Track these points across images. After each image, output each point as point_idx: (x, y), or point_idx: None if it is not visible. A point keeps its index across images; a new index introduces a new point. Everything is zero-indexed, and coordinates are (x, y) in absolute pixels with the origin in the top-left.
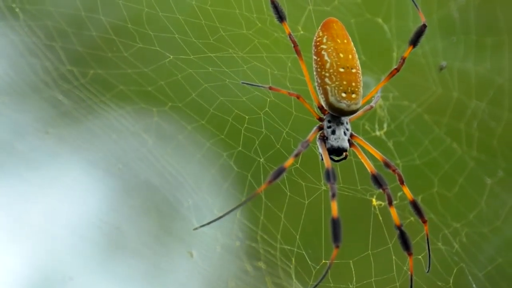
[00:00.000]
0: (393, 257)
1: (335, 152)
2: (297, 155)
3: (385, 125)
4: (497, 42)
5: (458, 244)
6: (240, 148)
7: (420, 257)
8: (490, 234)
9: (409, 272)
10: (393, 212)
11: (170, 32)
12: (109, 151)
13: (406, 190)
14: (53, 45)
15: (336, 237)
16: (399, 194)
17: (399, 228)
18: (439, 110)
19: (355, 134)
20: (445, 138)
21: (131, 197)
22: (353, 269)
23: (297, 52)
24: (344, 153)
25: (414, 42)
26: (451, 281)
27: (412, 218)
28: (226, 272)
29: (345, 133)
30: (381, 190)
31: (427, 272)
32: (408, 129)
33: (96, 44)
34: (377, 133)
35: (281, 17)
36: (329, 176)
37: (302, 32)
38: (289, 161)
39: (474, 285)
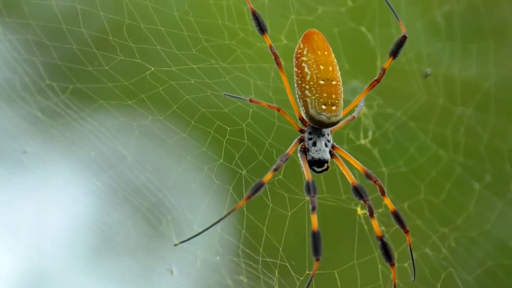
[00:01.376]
0: (379, 266)
1: (316, 164)
2: (276, 169)
3: (370, 134)
4: (483, 48)
5: (446, 249)
6: (221, 161)
7: (406, 265)
8: (479, 238)
9: (393, 283)
10: (375, 223)
11: (152, 44)
12: (88, 169)
13: (387, 201)
14: (33, 59)
15: (316, 250)
16: (384, 202)
17: (380, 239)
18: (424, 117)
19: (337, 146)
20: (431, 144)
21: (109, 215)
22: (338, 279)
23: (278, 64)
24: (325, 165)
25: (394, 53)
26: (438, 286)
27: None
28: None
29: (326, 145)
30: (362, 201)
31: (413, 280)
32: (394, 137)
33: (76, 58)
34: (362, 141)
35: (262, 29)
36: (309, 188)
37: (285, 41)
38: (268, 176)
39: None
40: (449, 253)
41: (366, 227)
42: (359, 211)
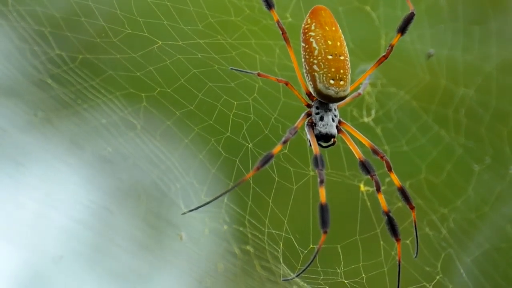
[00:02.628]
0: (381, 242)
1: (323, 138)
2: (285, 142)
3: (373, 112)
4: (485, 30)
5: (446, 230)
6: (228, 134)
7: (408, 241)
8: (477, 220)
9: (397, 258)
10: (381, 198)
11: (159, 19)
12: (99, 135)
13: (394, 176)
14: (42, 30)
15: (324, 222)
16: (387, 180)
17: (386, 214)
18: (427, 97)
19: (343, 121)
20: (433, 125)
21: (120, 180)
22: (341, 254)
23: (286, 39)
24: (332, 139)
25: (402, 29)
26: (439, 266)
27: (400, 204)
28: (215, 254)
29: (333, 120)
30: (369, 177)
31: (415, 257)
32: (396, 116)
33: (85, 30)
34: (365, 119)
35: (269, 5)
36: (317, 162)
37: (290, 19)
38: (277, 148)
39: (462, 271)
40: (449, 233)
41: (368, 203)
42: (362, 187)
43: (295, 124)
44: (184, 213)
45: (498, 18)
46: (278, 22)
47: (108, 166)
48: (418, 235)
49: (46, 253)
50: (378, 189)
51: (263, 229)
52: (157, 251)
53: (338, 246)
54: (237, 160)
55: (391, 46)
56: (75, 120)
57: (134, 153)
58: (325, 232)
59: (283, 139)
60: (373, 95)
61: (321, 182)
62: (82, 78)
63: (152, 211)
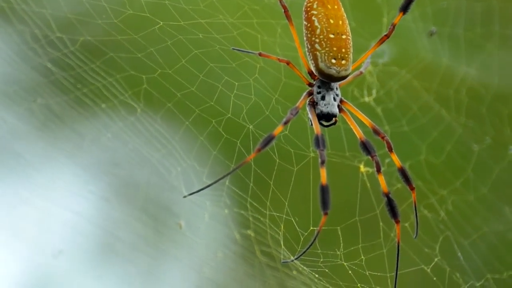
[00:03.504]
0: (380, 224)
1: (325, 117)
2: (286, 123)
3: (374, 91)
4: (487, 8)
5: (444, 212)
6: (229, 115)
7: (406, 224)
8: (476, 202)
9: (396, 239)
10: (381, 179)
11: None
12: (98, 121)
13: (395, 157)
14: (43, 11)
15: (324, 204)
16: (387, 160)
17: (386, 195)
18: (428, 76)
19: (345, 100)
20: (434, 104)
21: (119, 167)
22: (340, 236)
23: (288, 17)
24: (333, 119)
25: (405, 8)
26: (437, 248)
27: (399, 185)
28: (214, 241)
29: (334, 99)
30: (369, 157)
31: (415, 238)
32: (397, 95)
33: (85, 11)
34: (366, 99)
35: None
36: (319, 142)
37: None
38: (278, 129)
39: (459, 253)
40: (447, 216)
41: (368, 184)
42: (362, 168)
43: (297, 104)
44: (185, 196)
45: None
46: (280, 0)
47: (107, 153)
48: (418, 216)
49: (45, 247)
50: (378, 170)
51: (264, 211)
52: (156, 242)
53: (338, 228)
54: (238, 141)
55: (393, 25)
56: (74, 106)
57: (134, 138)
58: (325, 214)
59: (284, 119)
60: (374, 75)
61: (322, 162)
62: (82, 61)
63: (151, 199)
